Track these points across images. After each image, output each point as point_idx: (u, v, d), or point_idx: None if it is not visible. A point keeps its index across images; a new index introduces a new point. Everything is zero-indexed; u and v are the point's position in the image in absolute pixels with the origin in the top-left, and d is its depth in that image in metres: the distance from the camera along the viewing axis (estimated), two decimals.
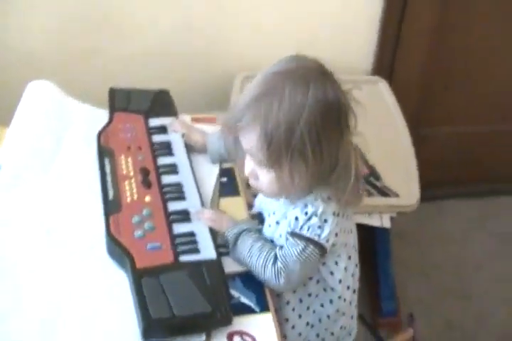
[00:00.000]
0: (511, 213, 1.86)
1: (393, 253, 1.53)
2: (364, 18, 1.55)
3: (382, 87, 1.55)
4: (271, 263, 0.82)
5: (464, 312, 1.57)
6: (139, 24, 1.48)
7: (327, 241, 0.83)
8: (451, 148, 1.78)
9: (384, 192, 1.32)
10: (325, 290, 0.93)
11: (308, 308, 0.93)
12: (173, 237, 0.84)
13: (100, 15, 1.45)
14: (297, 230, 0.83)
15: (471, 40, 1.61)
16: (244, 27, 1.52)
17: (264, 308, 0.82)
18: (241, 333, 0.78)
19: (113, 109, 1.11)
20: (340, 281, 0.92)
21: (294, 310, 0.93)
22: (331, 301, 0.93)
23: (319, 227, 0.83)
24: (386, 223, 1.36)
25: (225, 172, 1.05)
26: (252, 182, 0.86)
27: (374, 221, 1.35)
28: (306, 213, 0.84)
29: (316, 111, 0.76)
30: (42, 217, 0.90)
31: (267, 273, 0.82)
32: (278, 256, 0.83)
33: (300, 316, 0.94)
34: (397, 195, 1.32)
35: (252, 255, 0.83)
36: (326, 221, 0.83)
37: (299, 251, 0.82)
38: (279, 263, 0.82)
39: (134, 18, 1.47)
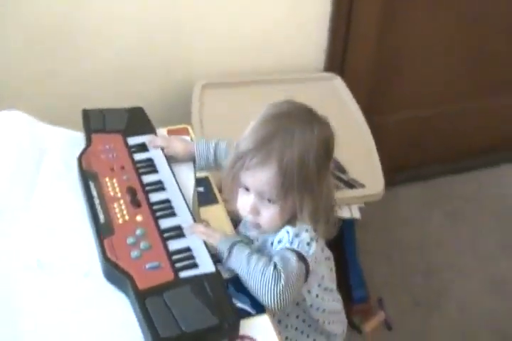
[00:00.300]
0: (459, 191, 1.96)
1: (358, 241, 1.58)
2: (314, 17, 1.59)
3: (337, 83, 1.60)
4: (271, 267, 0.81)
5: (427, 288, 1.65)
6: (95, 42, 1.44)
7: (311, 260, 0.85)
8: (398, 134, 1.86)
9: (350, 184, 1.35)
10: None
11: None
12: (170, 254, 0.84)
13: (53, 37, 1.40)
14: (288, 245, 0.85)
15: (413, 32, 1.70)
16: (199, 35, 1.51)
17: (259, 310, 0.82)
18: (242, 337, 0.78)
19: (89, 131, 1.10)
20: (311, 306, 0.95)
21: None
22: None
23: (308, 244, 0.85)
24: (356, 214, 1.39)
25: (201, 182, 1.05)
26: (250, 218, 0.89)
27: (344, 213, 1.38)
28: (295, 226, 0.86)
29: (320, 147, 0.85)
30: (30, 249, 0.88)
31: (266, 275, 0.80)
32: (276, 261, 0.82)
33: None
34: (363, 186, 1.35)
35: (250, 261, 0.82)
36: (312, 239, 0.86)
37: (294, 261, 0.83)
38: (279, 267, 0.82)
39: (89, 36, 1.43)
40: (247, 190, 0.87)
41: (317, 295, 0.96)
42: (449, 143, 1.98)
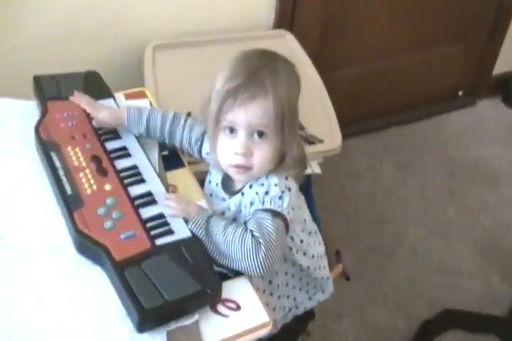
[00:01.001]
0: (406, 141, 1.99)
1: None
2: None
3: (289, 39, 1.55)
4: (249, 236, 0.78)
5: (381, 236, 1.69)
6: (32, 5, 1.30)
7: (288, 212, 0.82)
8: (345, 89, 1.85)
9: (309, 140, 1.33)
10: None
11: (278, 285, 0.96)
12: (143, 222, 0.80)
13: None
14: (260, 206, 0.81)
15: None
16: None
17: (237, 272, 0.80)
18: (223, 300, 0.77)
19: (44, 99, 1.02)
20: (297, 252, 0.94)
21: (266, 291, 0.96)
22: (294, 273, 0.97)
23: (280, 198, 0.81)
24: (316, 169, 1.38)
25: (164, 146, 1.00)
26: (241, 160, 0.81)
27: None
28: (262, 184, 0.83)
29: (298, 82, 0.84)
30: None
31: (245, 246, 0.76)
32: (252, 228, 0.78)
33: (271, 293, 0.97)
34: (321, 141, 1.34)
35: (226, 233, 0.79)
36: (283, 192, 0.82)
37: (269, 222, 0.79)
38: (256, 234, 0.78)
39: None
40: (232, 131, 0.81)
41: (301, 241, 0.93)
42: (394, 95, 1.99)
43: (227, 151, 0.83)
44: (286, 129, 0.81)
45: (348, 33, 1.77)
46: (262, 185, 0.83)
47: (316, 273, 1.00)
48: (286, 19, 1.62)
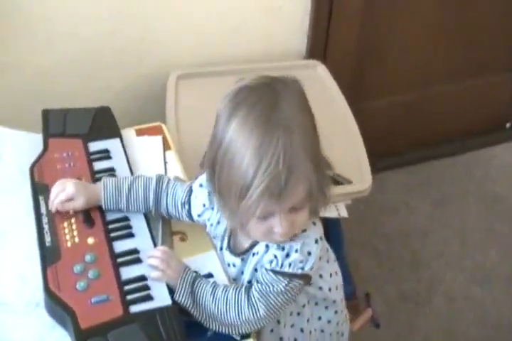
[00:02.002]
0: (445, 176, 1.81)
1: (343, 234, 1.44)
2: (295, 2, 1.40)
3: (321, 70, 1.43)
4: (243, 296, 0.69)
5: (415, 281, 1.52)
6: (53, 31, 1.22)
7: (311, 269, 0.73)
8: (381, 120, 1.73)
9: (337, 180, 1.20)
10: (316, 304, 0.84)
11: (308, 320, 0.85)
12: (121, 284, 0.70)
13: (11, 28, 1.19)
14: (278, 268, 0.71)
15: (394, 19, 1.55)
16: (171, 21, 1.31)
17: (244, 335, 0.72)
18: None
19: (47, 135, 0.94)
20: (330, 290, 0.83)
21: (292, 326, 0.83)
22: (326, 308, 0.86)
23: (301, 262, 0.72)
24: (343, 212, 1.24)
25: None
26: (286, 232, 0.69)
27: (331, 212, 1.22)
28: (284, 248, 0.72)
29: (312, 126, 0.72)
30: None
31: (242, 307, 0.69)
32: (256, 289, 0.70)
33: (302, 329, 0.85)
34: (350, 182, 1.20)
35: (216, 298, 0.70)
36: (309, 253, 0.72)
37: (283, 286, 0.71)
38: (256, 295, 0.69)
39: (46, 24, 1.20)
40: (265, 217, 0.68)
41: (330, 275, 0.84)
42: (434, 126, 1.83)
43: (263, 230, 0.70)
44: (316, 193, 0.68)
45: (385, 62, 1.63)
46: (283, 249, 0.72)
47: (330, 294, 0.86)
48: (318, 48, 1.50)
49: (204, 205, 0.79)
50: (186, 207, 0.81)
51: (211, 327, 0.71)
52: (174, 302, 0.70)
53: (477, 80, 1.80)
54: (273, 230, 0.69)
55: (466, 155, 1.88)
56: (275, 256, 0.72)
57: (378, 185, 1.65)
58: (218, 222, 0.79)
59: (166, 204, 0.82)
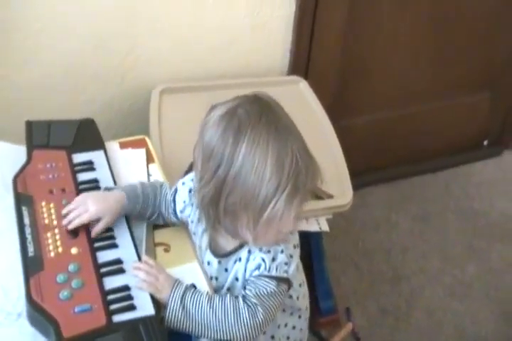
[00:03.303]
0: (425, 192, 1.85)
1: (325, 249, 1.47)
2: (278, 19, 1.44)
3: (303, 86, 1.47)
4: (241, 302, 0.71)
5: (395, 295, 1.54)
6: (38, 44, 1.24)
7: (292, 274, 0.77)
8: (363, 137, 1.76)
9: (318, 195, 1.22)
10: (284, 310, 0.87)
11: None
12: (105, 294, 0.71)
13: None
14: (266, 273, 0.74)
15: (378, 35, 1.60)
16: (156, 36, 1.34)
17: None
18: None
19: (31, 146, 0.95)
20: (298, 298, 0.87)
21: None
22: (291, 314, 0.90)
23: (286, 264, 0.75)
24: (324, 227, 1.26)
25: None
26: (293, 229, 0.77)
27: (312, 226, 1.25)
28: (269, 251, 0.75)
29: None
30: None
31: (241, 315, 0.70)
32: (250, 294, 0.72)
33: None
34: (331, 196, 1.23)
35: (214, 306, 0.71)
36: (291, 256, 0.77)
37: (274, 287, 0.74)
38: (252, 300, 0.71)
39: (32, 37, 1.22)
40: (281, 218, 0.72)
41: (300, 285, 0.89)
42: (414, 144, 1.87)
43: (275, 232, 0.74)
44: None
45: (367, 79, 1.67)
46: (269, 252, 0.76)
47: (297, 302, 0.90)
48: (301, 65, 1.53)
49: (184, 202, 0.83)
50: (172, 205, 0.85)
51: (208, 337, 0.71)
52: (157, 312, 0.70)
53: (456, 99, 1.86)
54: (281, 231, 0.74)
55: (446, 172, 1.94)
56: (263, 260, 0.75)
57: (359, 200, 1.69)
58: (198, 220, 0.81)
59: (165, 206, 0.86)
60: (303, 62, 1.54)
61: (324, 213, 1.26)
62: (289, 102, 1.51)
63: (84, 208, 0.80)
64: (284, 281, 0.76)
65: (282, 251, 0.76)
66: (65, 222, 0.80)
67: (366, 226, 1.72)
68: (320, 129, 1.37)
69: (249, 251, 0.77)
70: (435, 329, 1.47)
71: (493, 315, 1.51)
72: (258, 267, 0.75)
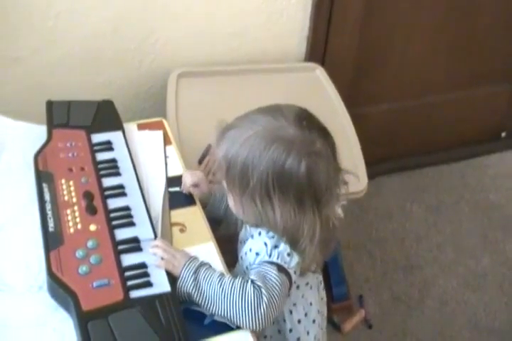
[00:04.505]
0: (440, 183, 1.84)
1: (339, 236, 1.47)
2: (296, 6, 1.43)
3: (319, 73, 1.46)
4: (250, 285, 0.70)
5: (408, 284, 1.54)
6: (59, 28, 1.25)
7: (294, 272, 0.75)
8: (379, 126, 1.75)
9: None
10: (279, 332, 0.85)
11: None
12: (122, 271, 0.72)
13: (18, 21, 1.22)
14: (267, 258, 0.74)
15: (396, 23, 1.57)
16: (174, 21, 1.35)
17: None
18: None
19: (51, 126, 0.96)
20: (290, 330, 0.84)
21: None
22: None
23: (288, 255, 0.74)
24: (339, 212, 1.27)
25: (176, 182, 0.92)
26: None
27: None
28: (273, 237, 0.75)
29: (270, 173, 0.71)
30: None
31: (246, 296, 0.69)
32: (254, 278, 0.71)
33: None
34: (345, 183, 1.23)
35: (223, 283, 0.71)
36: (291, 254, 0.76)
37: (275, 271, 0.73)
38: (258, 283, 0.71)
39: (54, 21, 1.24)
40: None
41: (299, 321, 0.84)
42: (430, 134, 1.86)
43: None
44: (240, 194, 0.77)
45: (385, 67, 1.66)
46: (273, 237, 0.76)
47: None
48: (318, 51, 1.52)
49: None
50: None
51: (213, 311, 0.71)
52: (173, 290, 0.71)
53: (474, 90, 1.84)
54: None
55: (462, 163, 1.92)
56: (265, 244, 0.75)
57: (374, 189, 1.69)
58: None
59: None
60: (320, 49, 1.53)
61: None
62: (305, 89, 1.51)
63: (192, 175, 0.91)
64: (285, 272, 0.74)
65: (286, 243, 0.75)
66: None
67: (380, 215, 1.72)
68: (336, 116, 1.37)
69: (259, 233, 0.78)
70: (448, 319, 1.47)
71: (507, 307, 1.51)
72: (259, 252, 0.75)
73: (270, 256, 0.74)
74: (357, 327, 1.40)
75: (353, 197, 1.25)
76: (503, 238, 1.69)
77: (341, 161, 1.24)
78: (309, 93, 1.41)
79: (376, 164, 1.63)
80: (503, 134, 2.01)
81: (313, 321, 0.86)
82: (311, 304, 0.85)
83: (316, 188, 0.73)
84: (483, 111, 1.91)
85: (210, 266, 0.75)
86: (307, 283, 0.84)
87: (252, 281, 0.71)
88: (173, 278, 0.73)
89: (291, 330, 0.84)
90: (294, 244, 0.75)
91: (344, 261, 1.48)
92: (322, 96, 1.41)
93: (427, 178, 1.85)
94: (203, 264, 0.74)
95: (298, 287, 0.79)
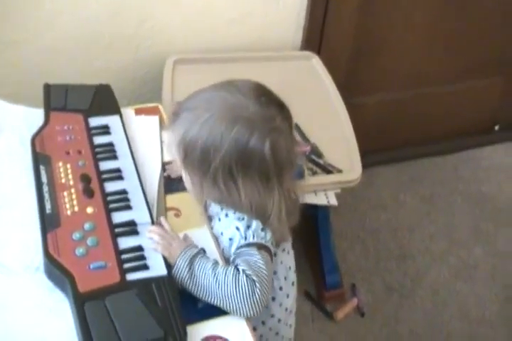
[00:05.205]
0: (433, 174, 1.85)
1: (332, 225, 1.48)
2: None
3: (315, 62, 1.46)
4: (242, 275, 0.70)
5: (400, 273, 1.55)
6: (58, 12, 1.24)
7: (271, 243, 0.75)
8: (374, 116, 1.75)
9: (327, 169, 1.24)
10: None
11: None
12: (119, 253, 0.72)
13: (14, 4, 1.20)
14: (243, 241, 0.73)
15: (392, 12, 1.57)
16: (171, 7, 1.34)
17: None
18: (214, 337, 0.68)
19: (49, 109, 0.96)
20: (273, 299, 0.83)
21: None
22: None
23: (262, 230, 0.74)
24: (332, 200, 1.27)
25: None
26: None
27: (320, 199, 1.26)
28: (243, 219, 0.75)
29: (234, 154, 0.70)
30: None
31: (240, 286, 0.69)
32: (244, 268, 0.70)
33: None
34: (340, 171, 1.24)
35: (217, 273, 0.70)
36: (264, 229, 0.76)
37: (257, 257, 0.72)
38: (248, 272, 0.70)
39: (53, 4, 1.22)
40: None
41: (281, 288, 0.84)
42: (425, 125, 1.87)
43: None
44: (200, 176, 0.75)
45: (380, 58, 1.65)
46: (243, 219, 0.75)
47: (283, 329, 0.88)
48: (314, 40, 1.52)
49: None
50: None
51: (208, 300, 0.71)
52: (170, 273, 0.71)
53: (468, 83, 1.84)
54: None
55: (455, 155, 1.93)
56: (237, 228, 0.74)
57: (367, 179, 1.69)
58: None
59: None
60: (316, 37, 1.52)
61: (333, 187, 1.27)
62: (301, 77, 1.51)
63: None
64: (264, 248, 0.73)
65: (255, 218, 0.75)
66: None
67: (373, 205, 1.72)
68: (331, 105, 1.37)
69: (226, 215, 0.77)
70: (439, 309, 1.49)
71: (497, 298, 1.52)
72: (232, 237, 0.75)
73: (246, 238, 0.73)
74: (349, 315, 1.42)
75: (346, 186, 1.27)
76: (495, 229, 1.70)
77: (336, 150, 1.27)
78: (305, 82, 1.41)
79: (370, 154, 1.62)
80: (497, 127, 2.02)
81: (292, 283, 0.86)
82: (290, 268, 0.86)
83: (280, 164, 0.73)
84: (477, 103, 1.92)
85: (205, 254, 0.74)
86: (284, 249, 0.84)
87: (243, 271, 0.70)
88: (169, 263, 0.73)
89: (274, 299, 0.84)
90: (263, 220, 0.75)
91: (337, 250, 1.49)
92: (318, 85, 1.41)
93: (420, 169, 1.86)
94: (197, 253, 0.73)
95: (275, 254, 0.78)
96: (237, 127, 0.69)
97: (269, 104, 0.72)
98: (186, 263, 0.71)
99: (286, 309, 0.86)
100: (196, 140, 0.71)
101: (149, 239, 0.75)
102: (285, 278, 0.85)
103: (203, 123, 0.70)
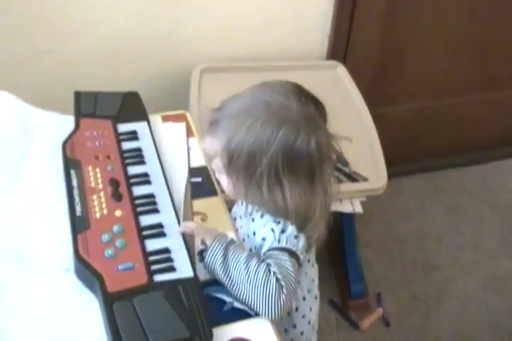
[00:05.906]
0: (460, 185, 1.84)
1: (357, 234, 1.48)
2: (319, 3, 1.44)
3: (341, 71, 1.47)
4: (273, 278, 0.69)
5: (427, 283, 1.53)
6: (90, 21, 1.28)
7: (301, 253, 0.75)
8: (400, 125, 1.75)
9: (353, 177, 1.25)
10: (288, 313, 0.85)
11: None
12: (146, 255, 0.73)
13: (47, 14, 1.25)
14: (276, 244, 0.74)
15: (418, 22, 1.57)
16: (199, 17, 1.37)
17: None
18: (240, 340, 0.69)
19: (79, 115, 0.99)
20: (296, 309, 0.84)
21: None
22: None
23: (296, 237, 0.75)
24: (358, 208, 1.28)
25: (197, 172, 0.94)
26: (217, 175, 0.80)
27: (346, 207, 1.27)
28: (279, 222, 0.75)
29: (280, 157, 0.71)
30: (10, 237, 0.78)
31: (269, 288, 0.68)
32: (275, 270, 0.71)
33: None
34: (365, 179, 1.25)
35: (249, 268, 0.70)
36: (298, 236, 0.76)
37: (288, 263, 0.72)
38: (278, 276, 0.70)
39: (85, 14, 1.27)
40: None
41: (304, 298, 0.84)
42: (452, 135, 1.85)
43: None
44: (245, 181, 0.76)
45: (406, 67, 1.65)
46: (279, 222, 0.76)
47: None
48: (339, 49, 1.53)
49: None
50: None
51: (231, 288, 0.71)
52: (196, 275, 0.72)
53: (494, 93, 1.82)
54: None
55: (483, 166, 1.91)
56: (272, 230, 0.74)
57: (393, 190, 1.68)
58: None
59: None
60: (341, 47, 1.54)
61: (358, 195, 1.27)
62: (326, 87, 1.52)
63: None
64: (294, 256, 0.74)
65: (292, 223, 0.75)
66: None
67: (399, 215, 1.71)
68: (357, 115, 1.38)
69: (262, 216, 0.78)
70: (467, 321, 1.46)
71: None
72: (266, 237, 0.75)
73: (279, 241, 0.74)
74: (375, 325, 1.40)
75: (372, 194, 1.27)
76: None
77: (362, 158, 1.26)
78: (330, 91, 1.40)
79: (396, 164, 1.61)
80: None
81: (316, 297, 0.86)
82: (313, 280, 0.86)
83: (324, 160, 0.74)
84: (504, 113, 1.90)
85: (238, 246, 0.75)
86: (309, 260, 0.84)
87: (274, 273, 0.70)
88: (195, 266, 0.73)
89: (297, 309, 0.84)
90: (300, 225, 0.75)
91: (363, 259, 1.48)
92: (343, 95, 1.42)
93: (447, 180, 1.85)
94: (233, 241, 0.75)
95: (301, 264, 0.78)
96: (283, 130, 0.70)
97: (308, 103, 0.74)
98: (222, 246, 0.72)
99: (309, 322, 0.86)
100: (242, 146, 0.71)
101: (185, 229, 0.77)
102: (308, 291, 0.85)
103: (248, 129, 0.70)
